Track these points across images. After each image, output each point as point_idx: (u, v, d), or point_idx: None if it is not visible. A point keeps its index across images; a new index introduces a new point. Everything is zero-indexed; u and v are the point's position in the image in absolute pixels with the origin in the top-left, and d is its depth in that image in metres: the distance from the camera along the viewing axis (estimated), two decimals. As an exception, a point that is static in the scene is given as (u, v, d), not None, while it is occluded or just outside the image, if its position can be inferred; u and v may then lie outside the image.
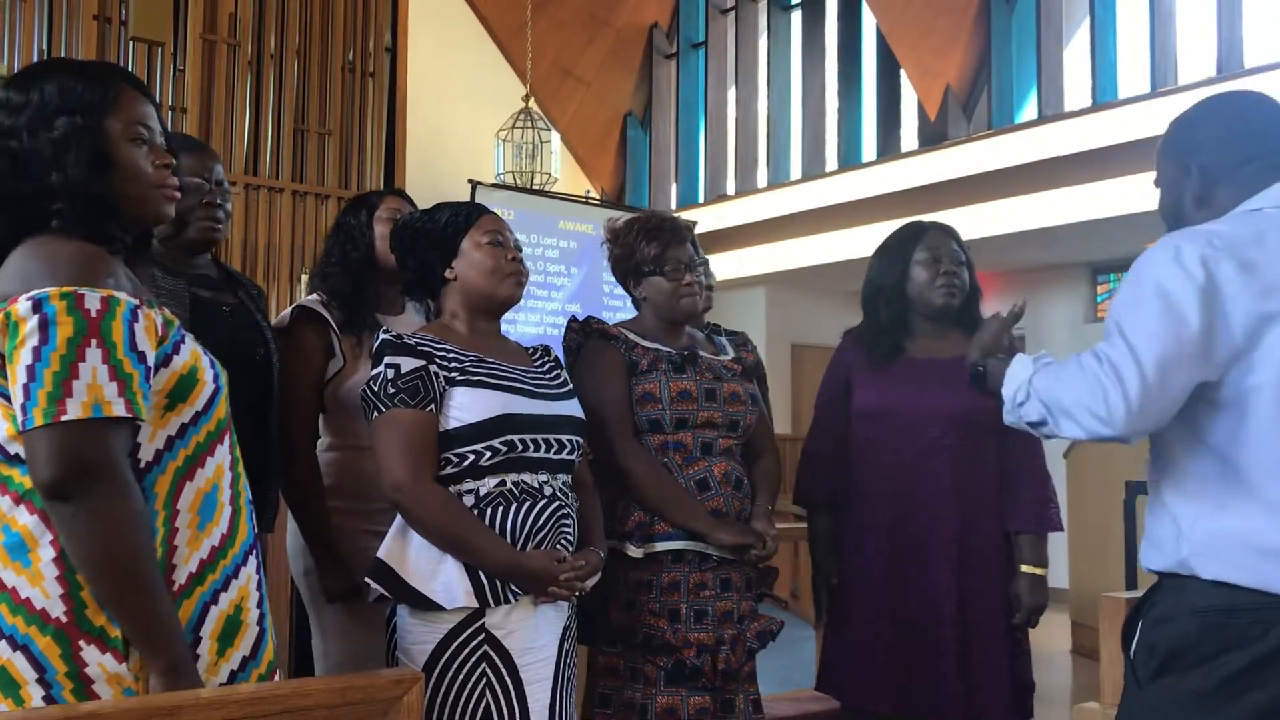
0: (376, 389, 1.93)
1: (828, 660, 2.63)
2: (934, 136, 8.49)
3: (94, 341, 1.34)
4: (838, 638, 2.60)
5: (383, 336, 1.98)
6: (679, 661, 2.24)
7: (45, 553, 1.36)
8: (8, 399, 1.36)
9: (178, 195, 1.60)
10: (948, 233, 2.64)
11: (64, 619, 1.35)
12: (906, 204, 7.35)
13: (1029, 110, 8.30)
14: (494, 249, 2.07)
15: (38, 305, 1.33)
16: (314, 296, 2.47)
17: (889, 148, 8.98)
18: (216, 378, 1.52)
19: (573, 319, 2.48)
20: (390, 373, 1.92)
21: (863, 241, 7.37)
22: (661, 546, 2.28)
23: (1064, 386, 1.66)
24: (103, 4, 6.87)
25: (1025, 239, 7.61)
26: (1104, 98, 7.61)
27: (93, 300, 1.36)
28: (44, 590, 1.35)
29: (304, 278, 5.78)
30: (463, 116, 9.01)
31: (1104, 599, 2.42)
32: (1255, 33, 7.04)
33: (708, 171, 10.38)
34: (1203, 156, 1.75)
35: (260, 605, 1.52)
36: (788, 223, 8.89)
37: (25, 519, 1.37)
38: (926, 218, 2.74)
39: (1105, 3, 7.79)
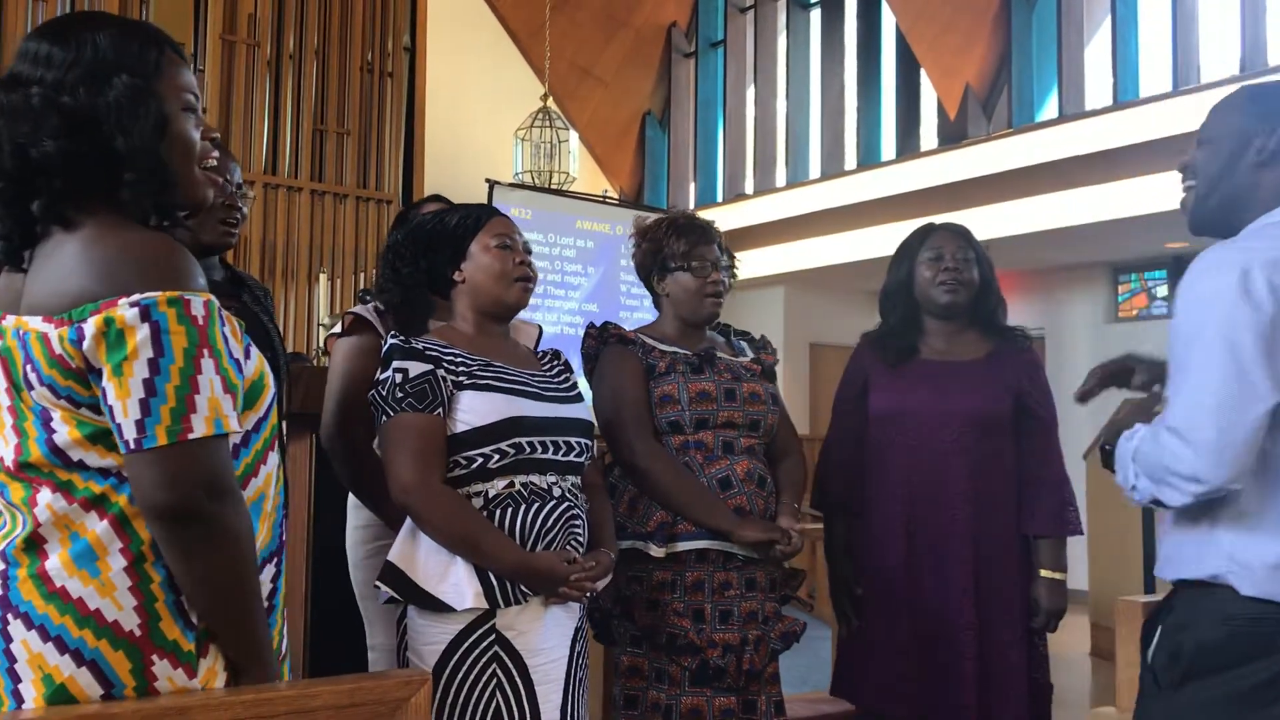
0: (385, 393, 1.94)
1: (844, 662, 2.62)
2: (954, 135, 8.45)
3: (205, 351, 1.27)
4: (854, 640, 2.59)
5: (390, 341, 1.99)
6: (704, 662, 2.23)
7: (115, 561, 1.28)
8: (75, 404, 1.28)
9: (219, 179, 1.52)
10: (955, 232, 2.63)
11: (137, 632, 1.28)
12: (926, 203, 7.32)
13: (1049, 109, 8.25)
14: (502, 252, 2.07)
15: (146, 313, 1.23)
16: (372, 303, 2.48)
17: (908, 147, 8.94)
18: (274, 384, 1.47)
19: (590, 325, 2.49)
20: (398, 377, 1.93)
21: (882, 241, 7.34)
22: (684, 546, 2.27)
23: (1153, 458, 1.58)
24: (123, 4, 6.91)
25: (1046, 238, 7.56)
26: (1125, 96, 7.56)
27: (197, 305, 1.27)
28: (115, 601, 1.27)
29: (322, 277, 5.79)
30: (481, 116, 9.02)
31: (1121, 603, 2.39)
32: (1279, 31, 6.97)
33: (726, 171, 10.37)
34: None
35: (270, 613, 1.45)
36: (806, 222, 8.87)
37: (95, 525, 1.28)
38: (946, 217, 2.73)
39: (1127, 1, 7.73)
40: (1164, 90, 7.25)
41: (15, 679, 1.27)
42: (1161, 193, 6.51)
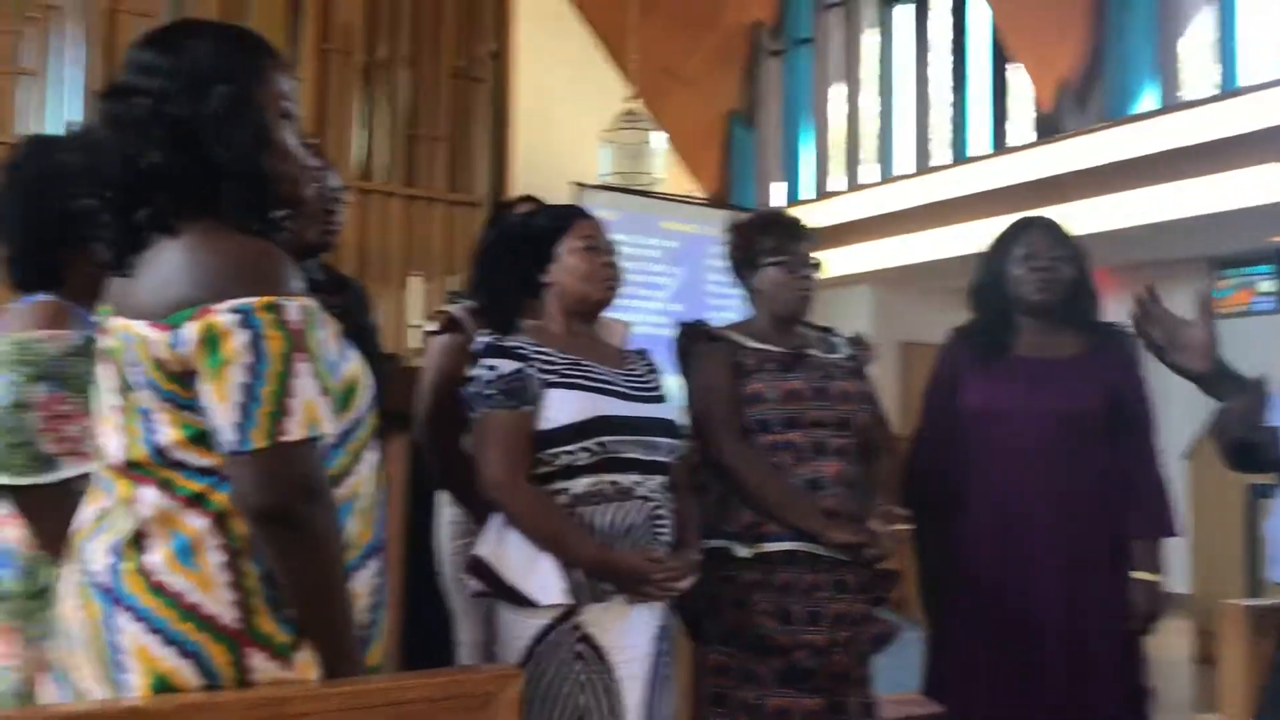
0: (476, 390, 1.97)
1: (934, 665, 2.59)
2: (1048, 129, 8.26)
3: (301, 355, 1.29)
4: (944, 642, 2.55)
5: (482, 339, 2.02)
6: (790, 663, 2.22)
7: (214, 557, 1.32)
8: (177, 406, 1.32)
9: (318, 182, 1.55)
10: (1048, 227, 2.57)
11: (235, 626, 1.32)
12: (1019, 198, 7.16)
13: (1146, 100, 8.02)
14: (588, 254, 2.10)
15: (244, 318, 1.26)
16: (467, 302, 2.52)
17: (1001, 141, 8.78)
18: (370, 385, 1.50)
19: (681, 323, 2.49)
20: (489, 374, 1.97)
21: (974, 238, 7.20)
22: (770, 547, 2.26)
23: None
24: (224, 18, 7.10)
25: (1143, 233, 7.35)
26: (1227, 85, 7.32)
27: (293, 310, 1.30)
28: (214, 596, 1.31)
29: (413, 280, 5.89)
30: (568, 119, 9.07)
31: (1224, 606, 2.33)
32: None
33: (814, 169, 10.29)
34: None
35: (373, 609, 1.48)
36: (896, 219, 8.75)
37: (194, 523, 1.32)
38: (1040, 212, 2.67)
39: (1228, -13, 7.48)
40: (1269, 79, 7.00)
41: (122, 669, 1.32)
42: (1265, 185, 6.28)
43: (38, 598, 1.76)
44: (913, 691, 2.69)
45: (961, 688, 2.50)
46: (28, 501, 1.72)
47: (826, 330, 2.57)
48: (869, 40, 10.09)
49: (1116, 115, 7.91)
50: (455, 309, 2.52)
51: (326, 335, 1.37)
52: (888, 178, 9.48)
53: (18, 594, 1.77)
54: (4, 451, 1.69)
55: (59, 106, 6.49)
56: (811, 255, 2.44)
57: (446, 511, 2.59)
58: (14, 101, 6.43)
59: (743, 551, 2.25)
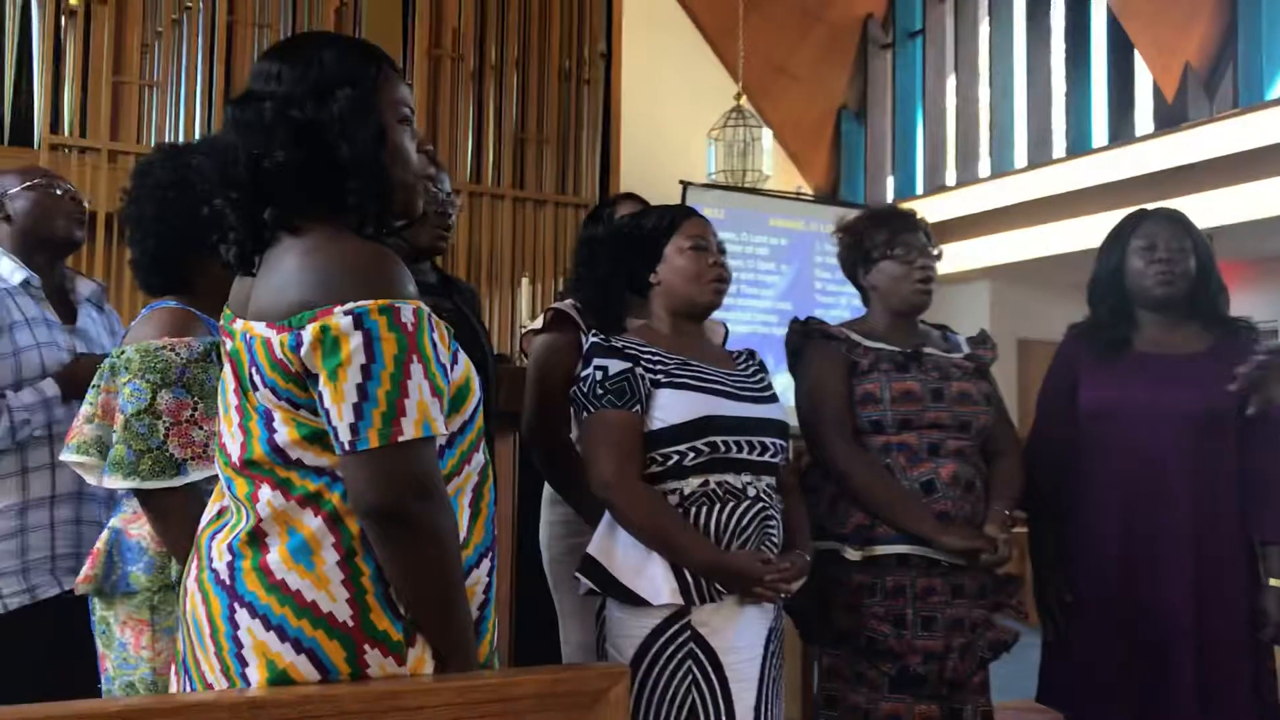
0: (586, 390, 1.99)
1: (1053, 672, 2.52)
2: (1172, 118, 7.97)
3: (415, 357, 1.31)
4: (1064, 648, 2.48)
5: (592, 339, 2.04)
6: (903, 668, 2.18)
7: (329, 555, 1.35)
8: (295, 405, 1.35)
9: (433, 188, 1.58)
10: (1169, 218, 2.47)
11: (350, 623, 1.34)
12: (1141, 191, 6.93)
13: (1280, 86, 7.68)
14: (696, 254, 2.09)
15: (359, 320, 1.29)
16: (569, 300, 2.54)
17: (1122, 132, 8.50)
18: (480, 387, 1.51)
19: (794, 320, 2.46)
20: (599, 374, 1.97)
21: (1094, 231, 6.98)
22: (881, 550, 2.22)
23: None
24: (337, 25, 7.29)
25: (1275, 226, 7.05)
26: (1369, 67, 6.97)
27: (407, 313, 1.32)
28: (330, 594, 1.34)
29: (524, 281, 5.96)
30: (676, 118, 9.08)
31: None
32: None
33: (926, 163, 10.11)
34: None
35: (484, 607, 1.51)
36: (1012, 213, 8.56)
37: (310, 521, 1.35)
38: (1164, 204, 2.57)
39: (1369, -37, 7.12)
40: None
41: (243, 663, 1.36)
42: None
43: (167, 591, 1.83)
44: (1032, 699, 2.62)
45: (1083, 696, 2.42)
46: (155, 504, 1.79)
47: (946, 329, 2.51)
48: (982, 31, 9.89)
49: (1248, 102, 7.60)
50: (562, 304, 2.54)
51: (438, 337, 1.39)
52: (1003, 171, 9.27)
53: (148, 588, 1.84)
54: (133, 456, 1.75)
55: (184, 116, 6.74)
56: (929, 246, 2.38)
57: (549, 511, 2.61)
58: (143, 112, 6.71)
59: (852, 554, 2.21)
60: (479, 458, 1.51)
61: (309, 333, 1.30)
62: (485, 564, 1.50)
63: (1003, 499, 2.29)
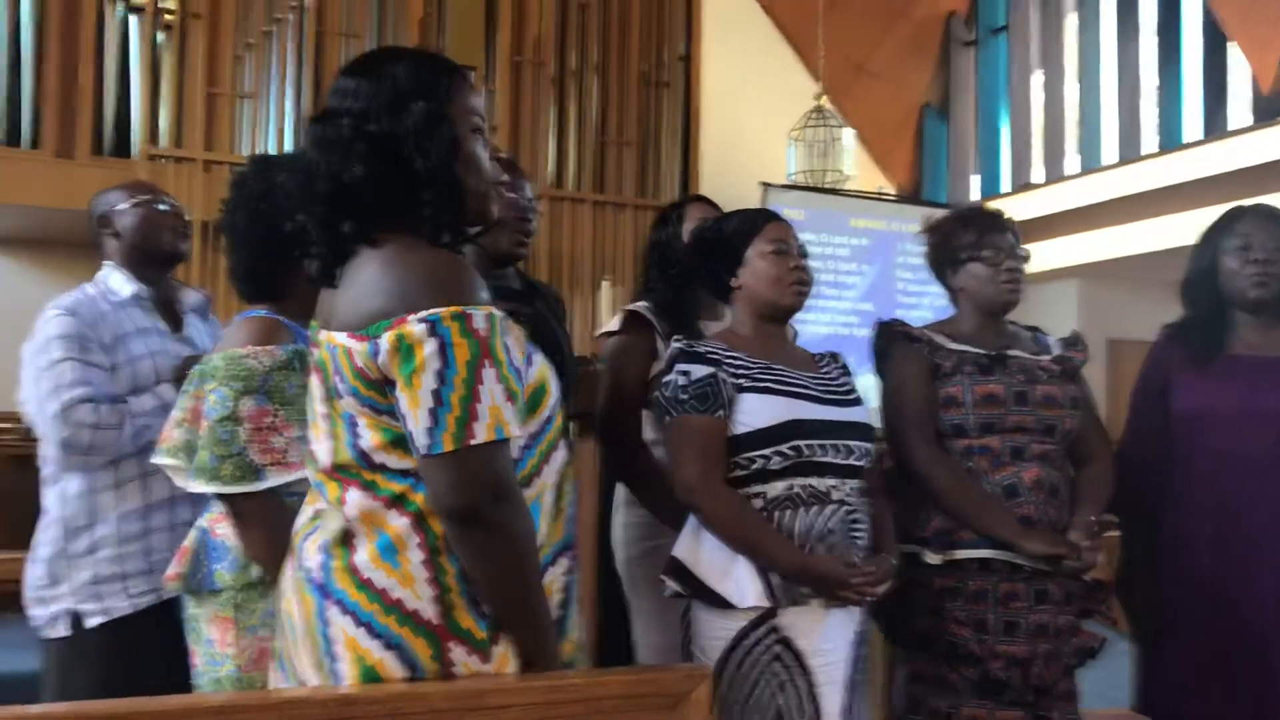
0: (669, 395, 2.00)
1: (1146, 679, 2.47)
2: (1269, 111, 7.73)
3: (487, 362, 1.35)
4: (1157, 656, 2.43)
5: (674, 344, 2.05)
6: (985, 673, 2.16)
7: (414, 555, 1.39)
8: (376, 411, 1.39)
9: (507, 196, 1.62)
10: (1267, 215, 2.40)
11: (435, 620, 1.39)
12: (1237, 186, 6.73)
13: (1386, 75, 7.41)
14: (778, 258, 2.09)
15: (433, 327, 1.33)
16: (643, 302, 2.56)
17: (1216, 126, 8.27)
18: (557, 388, 1.55)
19: (878, 321, 2.44)
20: (681, 379, 1.99)
21: (1187, 228, 6.81)
22: (962, 554, 2.20)
23: None
24: (423, 32, 7.42)
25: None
26: None
27: (479, 319, 1.36)
28: (415, 592, 1.38)
29: (604, 284, 6.00)
30: (756, 119, 9.06)
31: None
32: None
33: (1012, 160, 9.94)
34: None
35: (564, 605, 1.53)
36: (1101, 210, 8.37)
37: (396, 522, 1.40)
38: (1260, 201, 2.50)
39: None
40: None
41: (334, 659, 1.40)
42: None
43: (250, 590, 1.88)
44: (1123, 707, 2.57)
45: (1177, 705, 2.36)
46: (236, 508, 1.84)
47: (1037, 330, 2.47)
48: (1069, 24, 9.69)
49: (1350, 93, 7.34)
50: (637, 305, 2.55)
51: (512, 341, 1.42)
52: (1091, 168, 9.08)
53: (231, 586, 1.89)
54: (215, 461, 1.81)
55: (276, 126, 6.92)
56: (1017, 247, 2.35)
57: (623, 514, 2.61)
58: (237, 122, 6.90)
59: (933, 558, 2.19)
60: (559, 455, 1.54)
61: (386, 341, 1.35)
62: (563, 562, 1.54)
63: (1089, 504, 2.25)
